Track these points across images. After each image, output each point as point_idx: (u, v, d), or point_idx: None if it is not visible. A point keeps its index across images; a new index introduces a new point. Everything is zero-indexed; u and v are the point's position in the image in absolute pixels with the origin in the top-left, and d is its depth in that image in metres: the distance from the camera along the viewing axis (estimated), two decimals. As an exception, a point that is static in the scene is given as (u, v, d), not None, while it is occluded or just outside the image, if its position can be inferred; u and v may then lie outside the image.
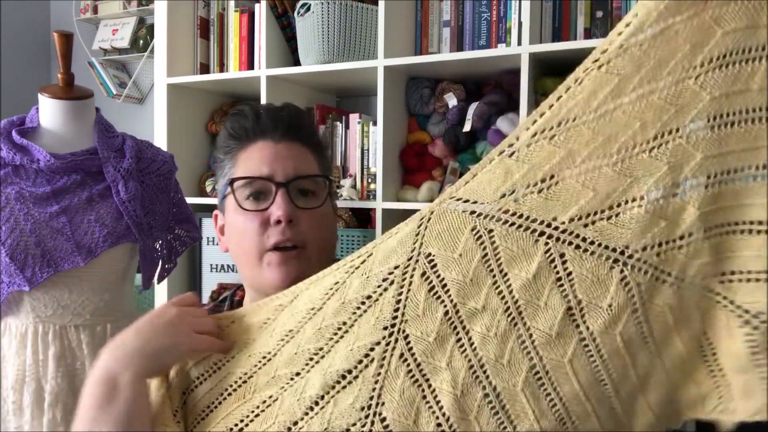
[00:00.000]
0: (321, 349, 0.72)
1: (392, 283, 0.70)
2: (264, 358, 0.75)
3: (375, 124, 1.96)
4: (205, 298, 2.12)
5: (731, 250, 0.64)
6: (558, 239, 0.65)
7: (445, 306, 0.68)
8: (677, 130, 0.62)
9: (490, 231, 0.67)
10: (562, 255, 0.65)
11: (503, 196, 0.67)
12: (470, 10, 1.91)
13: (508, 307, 0.67)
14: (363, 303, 0.71)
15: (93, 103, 1.38)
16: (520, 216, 0.67)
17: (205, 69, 2.25)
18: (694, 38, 0.61)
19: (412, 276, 0.70)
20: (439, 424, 0.68)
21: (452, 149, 1.92)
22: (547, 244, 0.66)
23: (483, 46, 1.88)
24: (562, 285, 0.66)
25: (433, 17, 1.96)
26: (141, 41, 2.74)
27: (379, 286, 0.70)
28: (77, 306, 1.29)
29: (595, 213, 0.64)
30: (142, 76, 2.80)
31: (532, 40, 1.70)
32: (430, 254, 0.69)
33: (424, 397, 0.68)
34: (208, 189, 2.25)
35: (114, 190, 1.31)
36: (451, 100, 1.90)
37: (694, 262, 0.64)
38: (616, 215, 0.64)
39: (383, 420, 0.69)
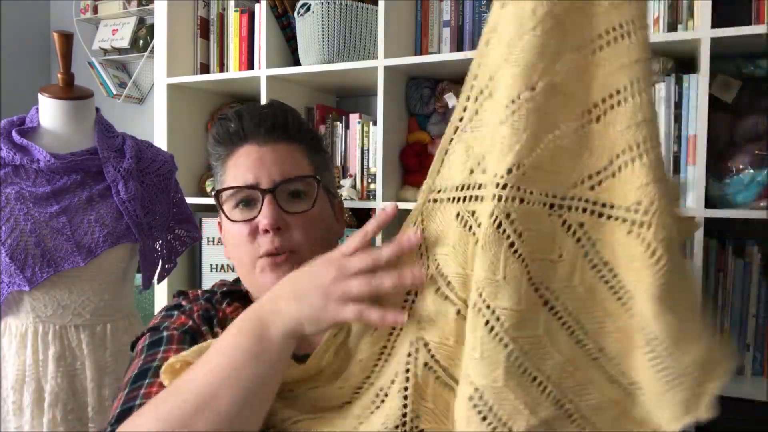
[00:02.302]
0: (368, 377, 0.68)
1: (410, 293, 0.67)
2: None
3: (375, 124, 1.96)
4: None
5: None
6: (500, 198, 0.59)
7: (455, 304, 0.64)
8: (573, 53, 0.59)
9: (473, 212, 0.63)
10: (508, 215, 0.59)
11: (471, 173, 0.64)
12: (470, 10, 1.91)
13: (477, 292, 0.60)
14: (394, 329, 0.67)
15: (93, 103, 1.38)
16: (478, 187, 0.63)
17: (205, 69, 2.25)
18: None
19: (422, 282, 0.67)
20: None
21: (452, 149, 1.92)
22: (492, 207, 0.60)
23: (483, 46, 1.88)
24: (517, 250, 0.59)
25: (433, 17, 1.96)
26: (141, 41, 2.74)
27: (405, 301, 0.67)
28: (77, 306, 1.29)
29: (528, 157, 0.59)
30: (142, 76, 2.80)
31: (532, 40, 1.70)
32: (434, 254, 0.66)
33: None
34: (208, 189, 2.25)
35: (114, 190, 1.31)
36: (451, 100, 1.90)
37: (627, 187, 0.58)
38: (544, 155, 0.59)
39: None
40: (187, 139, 2.24)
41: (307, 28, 1.94)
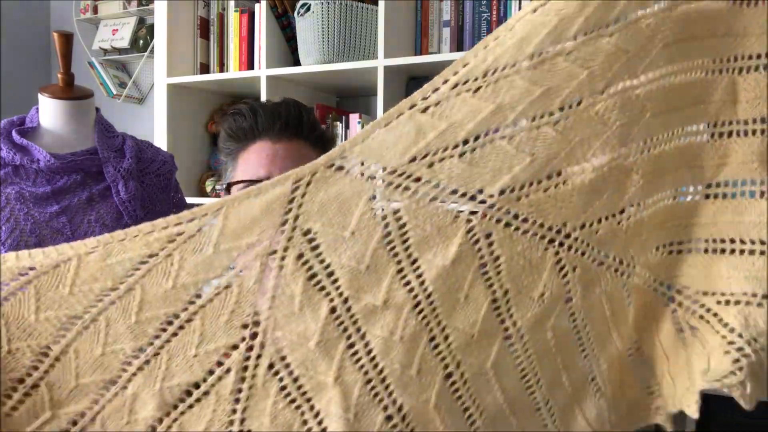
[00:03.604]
0: (141, 350, 0.52)
1: (253, 265, 0.53)
2: (43, 354, 0.51)
3: (375, 124, 1.96)
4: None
5: (680, 216, 0.54)
6: (484, 215, 0.53)
7: (332, 300, 0.53)
8: (630, 80, 0.52)
9: (395, 203, 0.54)
10: (488, 235, 0.53)
11: (413, 160, 0.54)
12: (470, 10, 1.91)
13: (419, 303, 0.53)
14: (205, 291, 0.53)
15: (93, 103, 1.38)
16: (436, 186, 0.53)
17: (205, 69, 2.25)
18: None
19: (283, 258, 0.53)
20: None
21: (452, 149, 1.92)
22: (469, 221, 0.53)
23: (483, 46, 1.88)
24: (487, 272, 0.54)
25: (433, 17, 1.96)
26: (141, 41, 2.74)
27: (231, 268, 0.53)
28: (77, 306, 1.29)
29: (531, 184, 0.53)
30: (142, 76, 2.80)
31: (532, 40, 1.70)
32: (309, 230, 0.53)
33: (305, 422, 0.53)
34: (208, 189, 2.25)
35: (114, 190, 1.31)
36: (451, 100, 1.90)
37: (634, 240, 0.54)
38: (555, 186, 0.53)
39: None
40: (187, 139, 2.24)
41: (307, 28, 1.94)
